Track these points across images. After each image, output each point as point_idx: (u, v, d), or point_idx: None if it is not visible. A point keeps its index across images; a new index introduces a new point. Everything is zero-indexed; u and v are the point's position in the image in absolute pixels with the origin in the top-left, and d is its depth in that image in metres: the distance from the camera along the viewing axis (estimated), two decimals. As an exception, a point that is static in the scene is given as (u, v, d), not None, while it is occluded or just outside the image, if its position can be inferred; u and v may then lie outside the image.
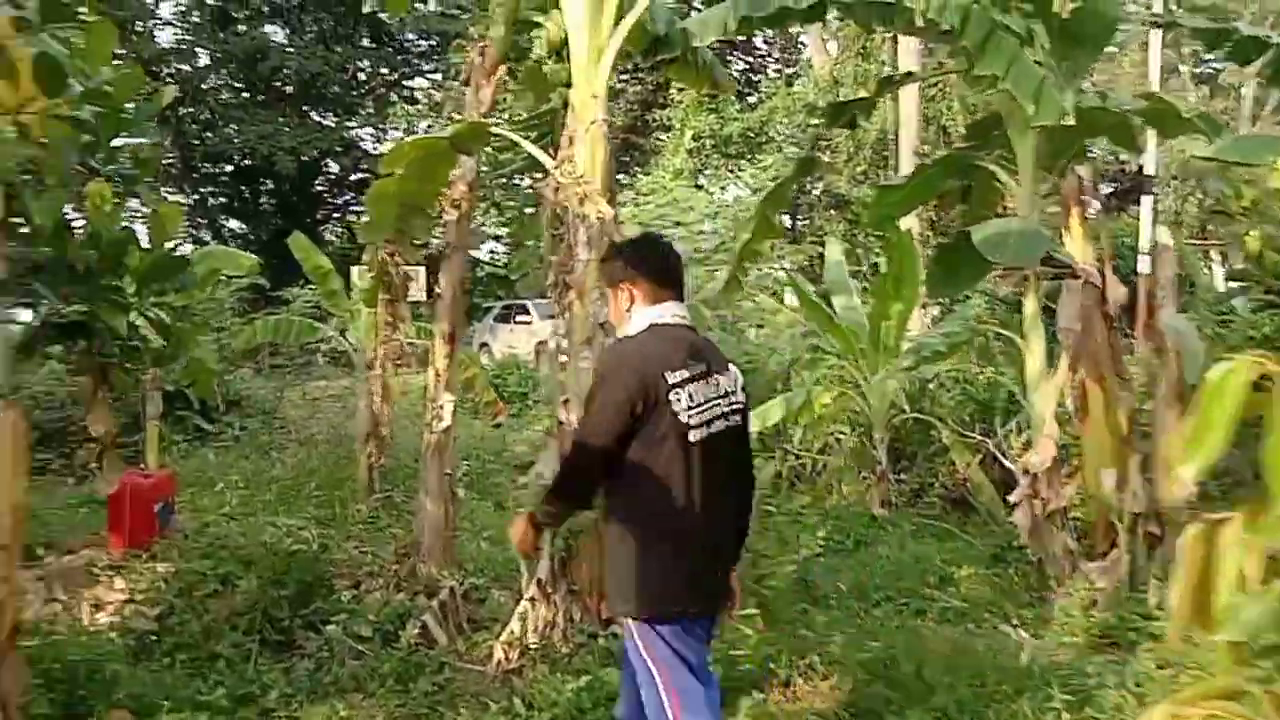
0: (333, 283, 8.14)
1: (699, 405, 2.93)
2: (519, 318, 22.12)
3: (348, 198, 35.01)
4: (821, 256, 14.85)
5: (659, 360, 2.92)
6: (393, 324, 5.91)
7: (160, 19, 31.22)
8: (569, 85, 5.50)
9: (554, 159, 5.11)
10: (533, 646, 5.01)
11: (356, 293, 9.01)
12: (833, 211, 15.82)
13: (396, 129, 34.12)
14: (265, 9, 33.33)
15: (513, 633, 5.01)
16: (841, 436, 9.76)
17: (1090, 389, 6.10)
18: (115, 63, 3.59)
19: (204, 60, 31.50)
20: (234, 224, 32.16)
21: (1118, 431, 6.06)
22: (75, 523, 6.95)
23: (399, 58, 34.31)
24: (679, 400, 2.89)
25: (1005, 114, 6.23)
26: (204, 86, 30.53)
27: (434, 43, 33.98)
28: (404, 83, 35.14)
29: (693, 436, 2.90)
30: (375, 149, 33.49)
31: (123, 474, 6.05)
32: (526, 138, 5.58)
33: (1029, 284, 6.21)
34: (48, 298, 4.00)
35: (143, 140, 3.81)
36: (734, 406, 3.07)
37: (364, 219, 5.76)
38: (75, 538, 6.45)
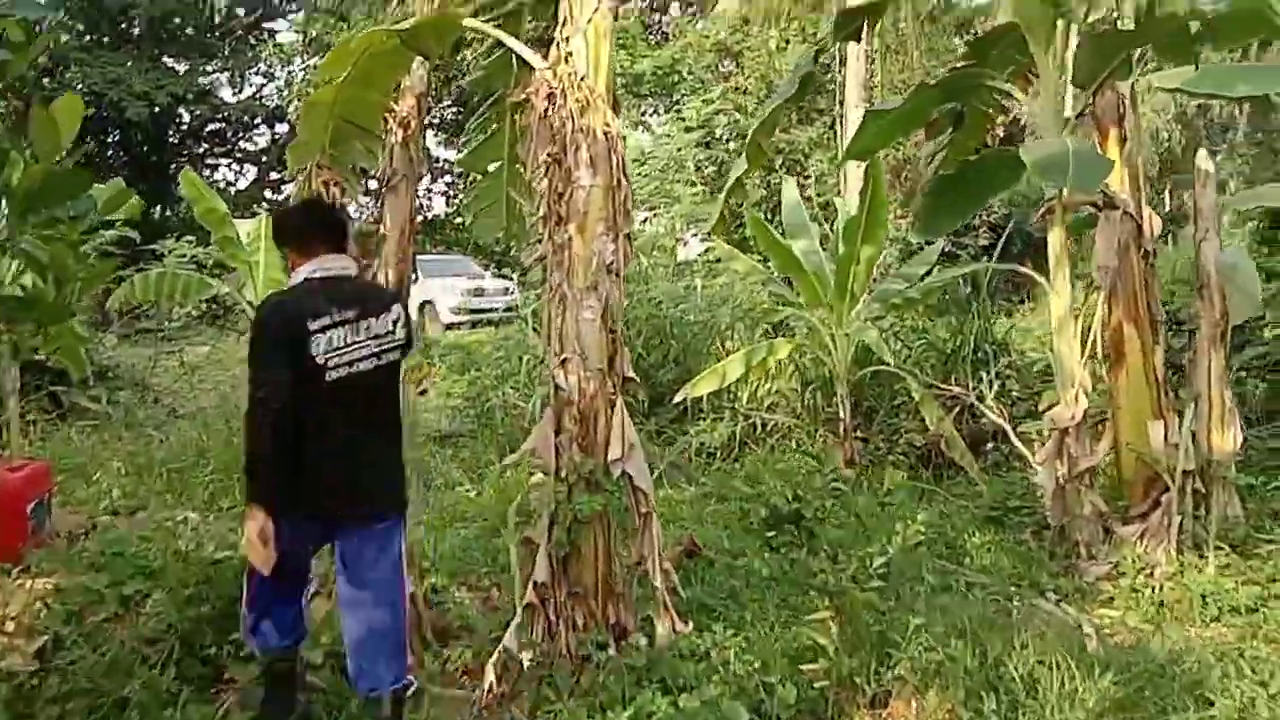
0: (228, 229, 6.84)
1: (339, 348, 3.24)
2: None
3: (203, 149, 32.51)
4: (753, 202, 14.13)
5: (301, 310, 3.23)
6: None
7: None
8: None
9: (544, 60, 4.08)
10: (529, 663, 4.07)
11: (250, 244, 7.73)
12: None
13: (256, 73, 31.82)
14: (110, -58, 30.44)
15: (507, 650, 4.05)
16: (789, 393, 9.07)
17: (1127, 331, 5.49)
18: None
19: (36, -4, 28.39)
20: (78, 178, 29.24)
21: (1155, 378, 5.48)
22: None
23: (258, -2, 31.79)
24: (316, 344, 3.19)
25: (1026, 25, 5.49)
26: (42, 27, 27.52)
27: (297, -19, 31.70)
28: (263, 24, 32.72)
29: (330, 376, 3.22)
30: (233, 97, 31.20)
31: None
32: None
33: (1053, 216, 5.53)
34: None
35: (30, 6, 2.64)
36: (386, 346, 3.40)
37: (294, 140, 4.61)
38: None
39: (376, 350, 3.35)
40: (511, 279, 21.05)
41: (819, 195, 13.08)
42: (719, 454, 8.66)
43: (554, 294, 4.10)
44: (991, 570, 5.52)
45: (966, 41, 6.10)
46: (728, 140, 15.71)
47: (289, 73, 29.21)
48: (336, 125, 4.51)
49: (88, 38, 28.74)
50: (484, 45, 5.14)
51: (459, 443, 9.39)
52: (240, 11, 32.08)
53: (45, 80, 26.97)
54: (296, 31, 27.92)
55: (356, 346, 3.28)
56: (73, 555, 4.77)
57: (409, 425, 4.80)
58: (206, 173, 33.07)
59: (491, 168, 5.34)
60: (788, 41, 16.76)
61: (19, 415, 6.67)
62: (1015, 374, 8.64)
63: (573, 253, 4.04)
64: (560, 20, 4.06)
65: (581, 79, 3.97)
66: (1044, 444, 5.75)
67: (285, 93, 28.90)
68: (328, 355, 3.20)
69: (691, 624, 4.33)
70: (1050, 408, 5.74)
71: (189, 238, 10.00)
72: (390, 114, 4.75)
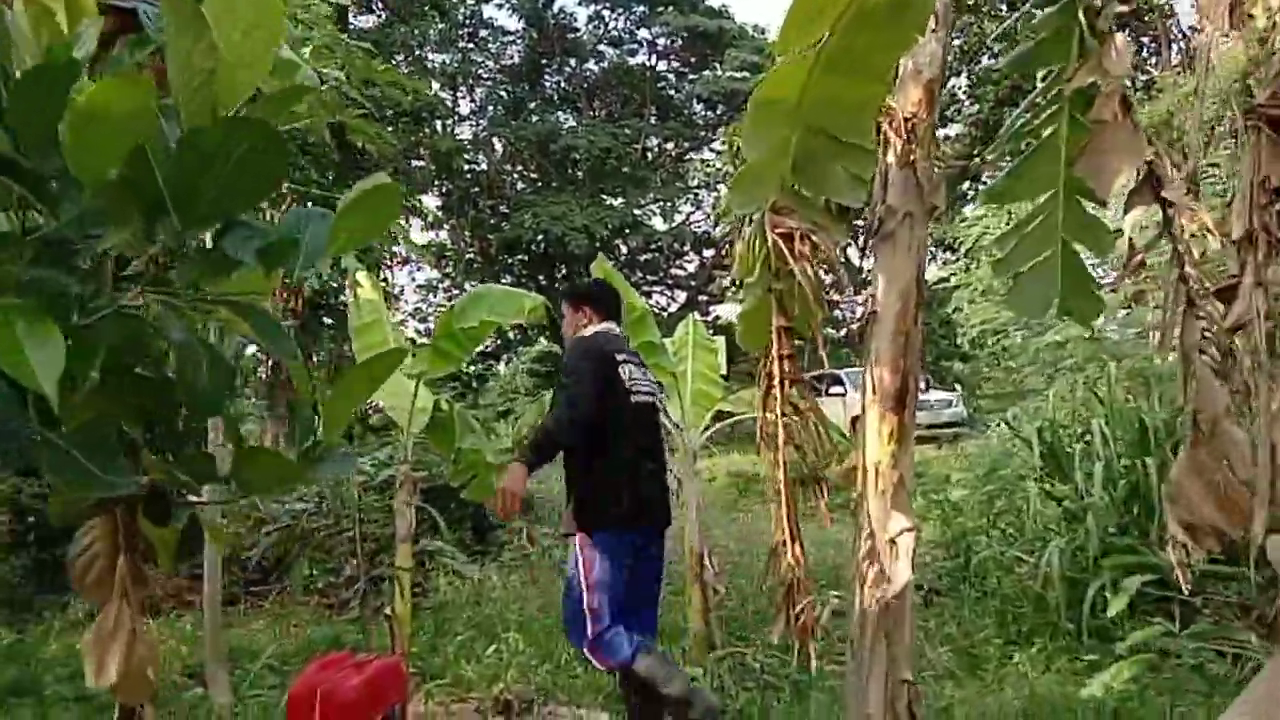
0: (649, 332, 5.42)
1: (635, 379, 4.12)
2: (833, 388, 18.15)
3: (638, 277, 33.83)
4: None
5: (611, 347, 4.16)
6: (788, 371, 3.00)
7: (459, 115, 31.72)
8: None
9: None
10: None
11: (673, 352, 6.29)
12: None
13: (685, 202, 32.70)
14: (555, 97, 33.30)
15: None
16: None
17: None
18: None
19: (498, 150, 31.59)
20: (530, 311, 31.58)
21: None
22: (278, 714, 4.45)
23: (686, 130, 33.04)
24: (624, 372, 4.08)
25: None
26: (500, 175, 30.67)
27: (720, 112, 32.43)
28: (690, 155, 33.87)
29: (634, 399, 4.08)
30: (664, 226, 32.22)
31: (313, 663, 3.47)
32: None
33: None
34: None
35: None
36: (653, 386, 4.33)
37: (734, 172, 2.90)
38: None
39: (649, 388, 4.22)
40: (955, 389, 17.75)
41: None
42: None
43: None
44: None
45: None
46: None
47: (715, 197, 29.58)
48: (802, 139, 2.73)
49: (538, 182, 31.32)
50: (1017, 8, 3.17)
51: (936, 604, 7.15)
52: (669, 145, 33.51)
53: (504, 224, 29.56)
54: (719, 153, 28.26)
55: (645, 381, 4.19)
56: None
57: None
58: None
59: (1041, 199, 3.29)
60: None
61: (412, 557, 5.59)
62: None
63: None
64: None
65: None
66: None
67: (710, 216, 29.29)
68: (631, 382, 4.06)
69: None
70: None
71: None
72: (887, 115, 2.93)
